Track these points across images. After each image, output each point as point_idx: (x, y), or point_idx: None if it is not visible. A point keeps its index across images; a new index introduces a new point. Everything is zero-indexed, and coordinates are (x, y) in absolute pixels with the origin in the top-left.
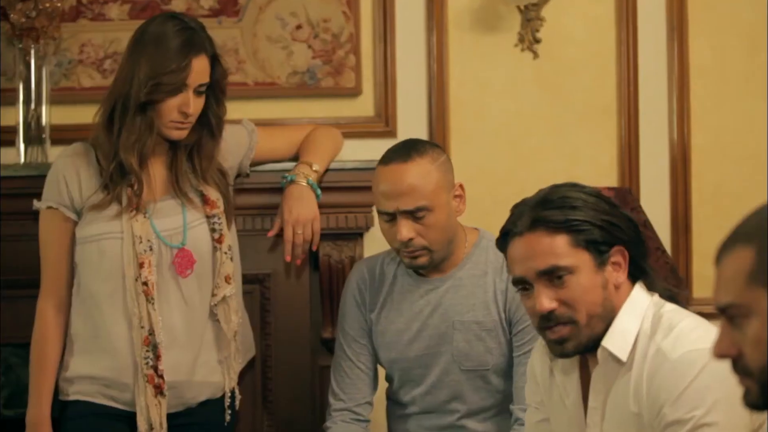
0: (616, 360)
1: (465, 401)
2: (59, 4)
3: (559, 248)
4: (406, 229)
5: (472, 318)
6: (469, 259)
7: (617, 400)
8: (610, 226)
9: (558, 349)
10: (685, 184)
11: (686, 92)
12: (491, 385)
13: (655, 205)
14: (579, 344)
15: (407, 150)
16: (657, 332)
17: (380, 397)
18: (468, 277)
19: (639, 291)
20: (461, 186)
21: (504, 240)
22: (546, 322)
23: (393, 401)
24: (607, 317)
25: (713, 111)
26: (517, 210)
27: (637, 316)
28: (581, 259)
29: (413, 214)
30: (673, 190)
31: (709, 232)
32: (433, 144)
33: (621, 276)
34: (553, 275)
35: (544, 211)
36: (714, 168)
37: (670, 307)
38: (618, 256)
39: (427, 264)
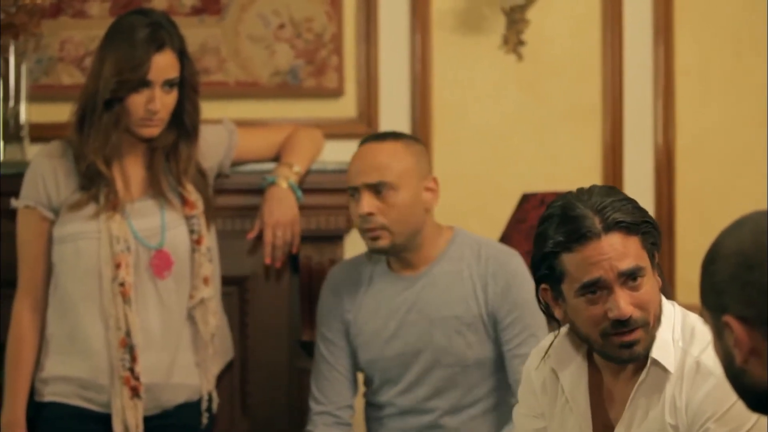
0: (664, 370)
1: (444, 398)
2: (40, 1)
3: (636, 249)
4: (366, 202)
5: (451, 313)
6: (444, 256)
7: (650, 411)
8: (658, 229)
9: (627, 353)
10: (669, 187)
11: (671, 94)
12: (471, 381)
13: None
14: (646, 347)
15: (385, 133)
16: (692, 344)
17: (360, 401)
18: (443, 273)
19: (662, 297)
20: (435, 180)
21: (564, 245)
22: (620, 327)
23: (371, 404)
24: (659, 321)
25: (698, 113)
26: (574, 215)
27: (669, 325)
28: (647, 261)
29: (375, 189)
30: (657, 193)
31: (693, 235)
32: (413, 137)
33: (659, 279)
34: (631, 277)
35: (616, 212)
36: (699, 170)
37: (694, 316)
38: (657, 259)
39: (388, 248)
